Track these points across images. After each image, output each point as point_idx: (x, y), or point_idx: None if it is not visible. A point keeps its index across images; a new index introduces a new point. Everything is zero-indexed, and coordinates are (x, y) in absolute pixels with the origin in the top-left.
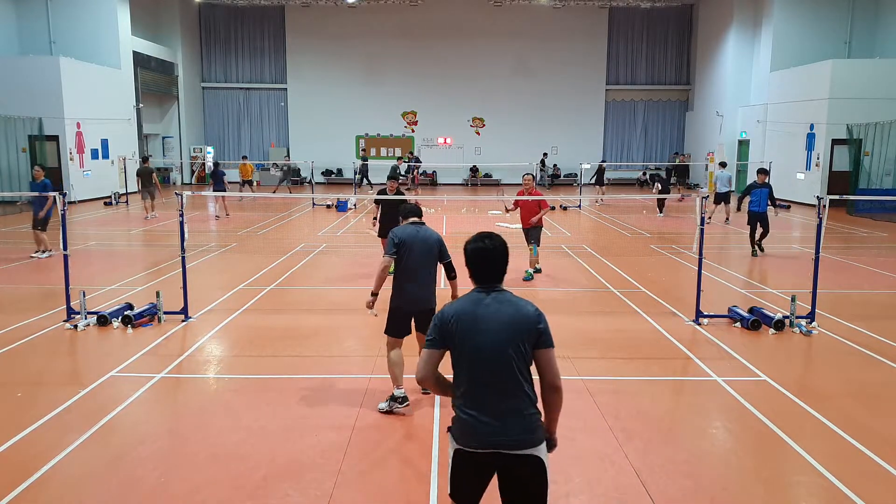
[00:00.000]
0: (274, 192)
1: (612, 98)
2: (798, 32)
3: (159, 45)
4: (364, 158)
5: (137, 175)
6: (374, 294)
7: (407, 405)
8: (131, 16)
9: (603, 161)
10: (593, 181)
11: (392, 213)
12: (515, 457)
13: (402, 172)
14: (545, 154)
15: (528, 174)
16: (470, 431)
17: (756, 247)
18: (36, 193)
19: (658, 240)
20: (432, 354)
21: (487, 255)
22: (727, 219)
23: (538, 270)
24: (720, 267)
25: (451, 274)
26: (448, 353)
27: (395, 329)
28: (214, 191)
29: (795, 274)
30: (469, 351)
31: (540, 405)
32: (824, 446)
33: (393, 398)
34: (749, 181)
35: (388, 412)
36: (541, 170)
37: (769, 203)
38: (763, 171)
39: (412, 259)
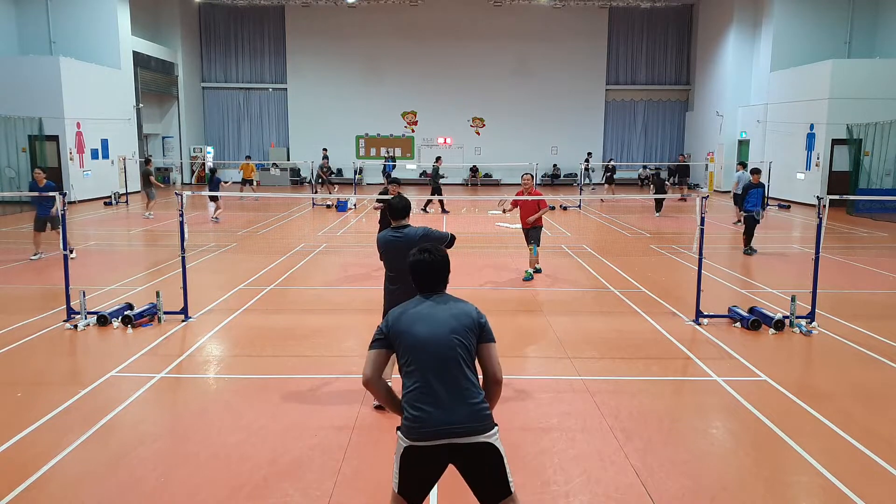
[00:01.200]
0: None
1: (612, 98)
2: (798, 32)
3: (159, 45)
4: (325, 157)
5: (142, 175)
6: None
7: None
8: (131, 16)
9: (611, 160)
10: (603, 180)
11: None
12: (467, 445)
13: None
14: (589, 154)
15: (527, 174)
16: (420, 425)
17: (747, 246)
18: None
19: (658, 240)
20: (377, 355)
21: (427, 267)
22: (739, 220)
23: (538, 271)
24: (720, 267)
25: (450, 244)
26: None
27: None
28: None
29: (795, 274)
30: (414, 347)
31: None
32: (824, 446)
33: None
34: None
35: (381, 407)
36: (585, 169)
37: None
38: (756, 171)
39: (398, 263)
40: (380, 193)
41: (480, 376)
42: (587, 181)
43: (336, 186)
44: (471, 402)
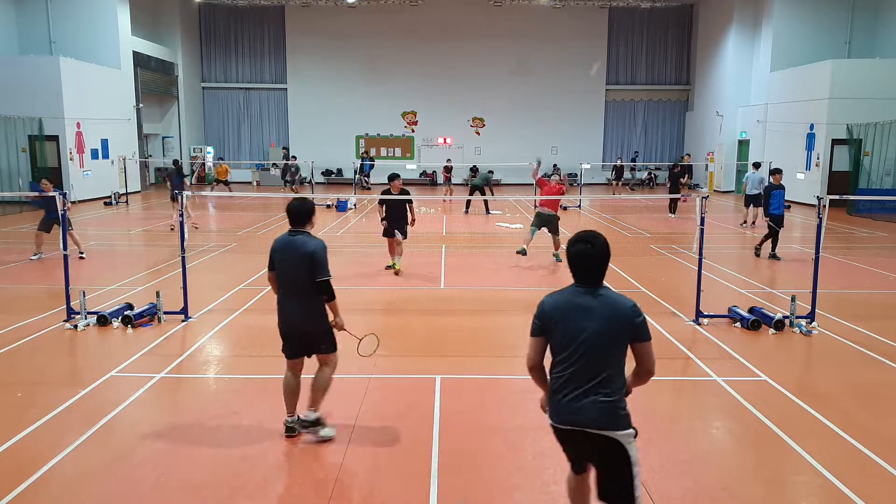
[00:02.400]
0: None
1: (612, 98)
2: (798, 32)
3: (159, 45)
4: (290, 157)
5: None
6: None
7: (320, 431)
8: (131, 16)
9: (619, 159)
10: (612, 180)
11: (395, 213)
12: (598, 437)
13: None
14: (637, 153)
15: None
16: (556, 409)
17: (757, 250)
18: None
19: (658, 240)
20: (535, 343)
21: (586, 258)
22: (753, 222)
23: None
24: (720, 267)
25: (328, 295)
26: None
27: (284, 348)
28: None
29: (795, 274)
30: (565, 339)
31: (625, 402)
32: (824, 446)
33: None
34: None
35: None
36: (632, 169)
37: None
38: (777, 171)
39: (284, 272)
40: (382, 193)
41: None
42: (632, 180)
43: (299, 189)
44: (607, 398)
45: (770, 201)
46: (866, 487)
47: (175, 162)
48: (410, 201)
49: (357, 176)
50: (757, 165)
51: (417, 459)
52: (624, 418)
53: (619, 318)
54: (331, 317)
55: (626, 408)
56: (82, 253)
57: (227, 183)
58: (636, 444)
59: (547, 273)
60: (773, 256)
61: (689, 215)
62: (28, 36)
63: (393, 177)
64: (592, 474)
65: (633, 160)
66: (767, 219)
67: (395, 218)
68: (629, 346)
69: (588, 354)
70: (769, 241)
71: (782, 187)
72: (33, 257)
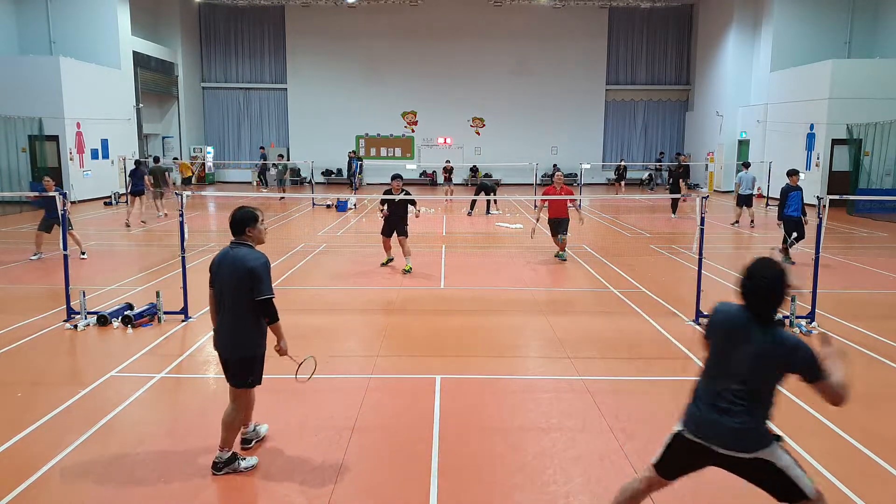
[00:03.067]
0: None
1: (612, 98)
2: (798, 32)
3: (159, 45)
4: (263, 157)
5: (150, 174)
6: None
7: (241, 465)
8: (131, 16)
9: (622, 160)
10: (614, 180)
11: (396, 213)
12: (723, 455)
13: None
14: (662, 153)
15: (558, 172)
16: (694, 420)
17: (784, 254)
18: (36, 194)
19: (658, 240)
20: (705, 345)
21: (748, 293)
22: (752, 221)
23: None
24: (720, 267)
25: (269, 316)
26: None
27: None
28: (134, 192)
29: (795, 274)
30: (721, 356)
31: (766, 422)
32: (824, 446)
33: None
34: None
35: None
36: (678, 171)
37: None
38: (794, 172)
39: (221, 289)
40: (385, 193)
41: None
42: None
43: (281, 189)
44: (741, 423)
45: (787, 202)
46: (866, 487)
47: (156, 159)
48: (413, 202)
49: (354, 177)
50: (747, 165)
51: (417, 459)
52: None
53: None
54: (274, 341)
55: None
56: (83, 253)
57: (190, 181)
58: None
59: (547, 273)
60: (786, 258)
61: (689, 215)
62: (28, 36)
63: (394, 177)
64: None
65: (659, 160)
66: (781, 222)
67: (396, 218)
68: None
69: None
70: (786, 241)
71: (799, 189)
72: (33, 257)
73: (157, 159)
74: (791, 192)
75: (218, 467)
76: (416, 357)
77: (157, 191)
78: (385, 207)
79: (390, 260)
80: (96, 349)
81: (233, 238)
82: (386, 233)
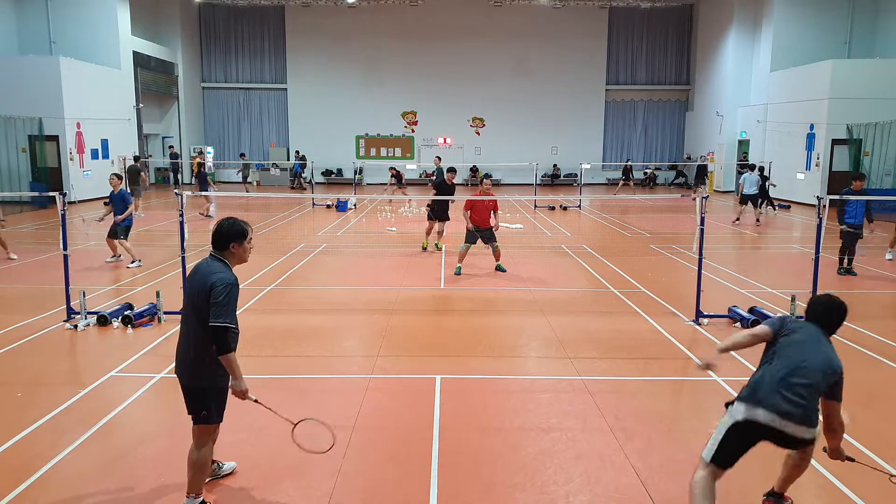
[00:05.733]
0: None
1: (612, 98)
2: (798, 32)
3: (159, 45)
4: (199, 153)
5: (127, 172)
6: None
7: None
8: (131, 16)
9: (628, 160)
10: (622, 181)
11: (443, 202)
12: (779, 432)
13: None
14: (689, 156)
15: (487, 176)
16: (752, 408)
17: (843, 266)
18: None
19: (658, 240)
20: (760, 331)
21: (826, 308)
22: (757, 220)
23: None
24: (720, 267)
25: (218, 346)
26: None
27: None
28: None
29: (795, 274)
30: (783, 358)
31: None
32: (824, 446)
33: None
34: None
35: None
36: (761, 176)
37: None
38: (860, 177)
39: (188, 301)
40: (439, 185)
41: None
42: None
43: (209, 199)
44: (800, 410)
45: (845, 209)
46: (866, 487)
47: (135, 158)
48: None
49: (297, 177)
50: (753, 168)
51: (417, 459)
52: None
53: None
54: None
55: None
56: (134, 261)
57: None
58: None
59: (547, 273)
60: (849, 271)
61: (689, 215)
62: (28, 36)
63: (450, 169)
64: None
65: (687, 159)
66: (843, 227)
67: (443, 207)
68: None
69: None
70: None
71: (863, 193)
72: (131, 265)
73: (136, 158)
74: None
75: None
76: (416, 357)
77: (136, 188)
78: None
79: (426, 247)
80: (96, 349)
81: (212, 250)
82: (436, 216)
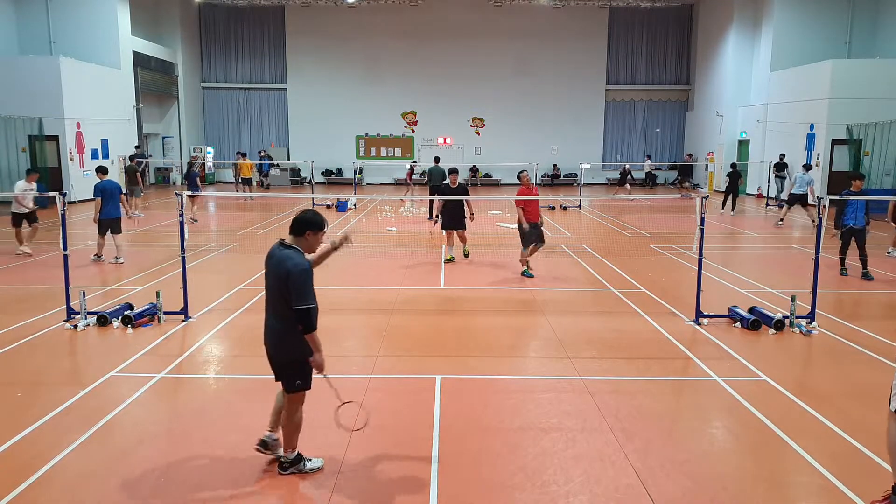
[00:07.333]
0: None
1: (612, 98)
2: (798, 32)
3: (159, 45)
4: (132, 157)
5: (125, 172)
6: None
7: (306, 466)
8: (131, 16)
9: (627, 163)
10: (619, 182)
11: (455, 208)
12: None
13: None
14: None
15: (524, 171)
16: None
17: (844, 266)
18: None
19: (658, 240)
20: None
21: None
22: (781, 220)
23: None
24: (720, 267)
25: (304, 326)
26: None
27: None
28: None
29: (795, 274)
30: None
31: None
32: (824, 446)
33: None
34: (750, 181)
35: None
36: (776, 176)
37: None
38: (859, 177)
39: (266, 286)
40: (441, 187)
41: None
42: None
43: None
44: None
45: (845, 210)
46: (866, 487)
47: (132, 158)
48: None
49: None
50: (808, 167)
51: (417, 459)
52: None
53: None
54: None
55: None
56: (99, 255)
57: (249, 182)
58: None
59: (547, 273)
60: (865, 275)
61: (689, 215)
62: (28, 36)
63: (451, 171)
64: None
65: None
66: (837, 231)
67: (454, 212)
68: None
69: None
70: (855, 255)
71: (863, 194)
72: (93, 257)
73: (132, 158)
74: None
75: (283, 467)
76: (417, 357)
77: (135, 188)
78: (439, 209)
79: (451, 259)
80: (96, 349)
81: (287, 236)
82: (447, 226)
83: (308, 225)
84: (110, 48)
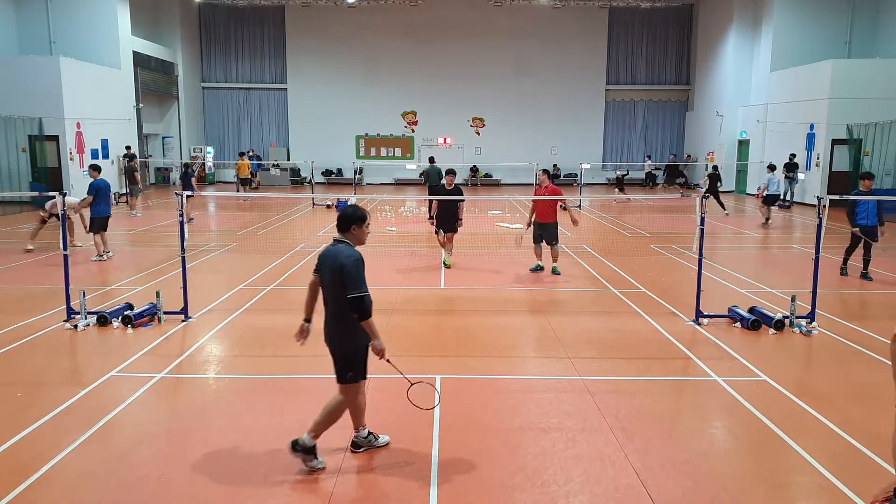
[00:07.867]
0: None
1: (612, 98)
2: (798, 32)
3: (159, 45)
4: (130, 157)
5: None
6: (305, 320)
7: (311, 462)
8: (131, 16)
9: (626, 173)
10: (616, 186)
11: (448, 209)
12: None
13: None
14: (793, 155)
15: (543, 170)
16: None
17: (845, 266)
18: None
19: (658, 240)
20: None
21: None
22: (767, 220)
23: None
24: (720, 267)
25: (359, 314)
26: None
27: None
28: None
29: (795, 274)
30: None
31: None
32: (824, 446)
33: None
34: (749, 181)
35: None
36: (786, 176)
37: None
38: (868, 176)
39: (324, 284)
40: (435, 185)
41: None
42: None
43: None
44: None
45: (856, 210)
46: (866, 487)
47: (130, 157)
48: (461, 200)
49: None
50: (772, 168)
51: (417, 459)
52: None
53: None
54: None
55: None
56: (100, 255)
57: (249, 182)
58: None
59: (546, 273)
60: (864, 276)
61: (689, 215)
62: (28, 36)
63: (448, 171)
64: None
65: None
66: (854, 229)
67: (448, 214)
68: None
69: None
70: (858, 256)
71: (871, 194)
72: (94, 258)
73: (129, 157)
74: (862, 199)
75: (303, 450)
76: (416, 357)
77: (133, 188)
78: (435, 211)
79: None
80: (96, 349)
81: (337, 234)
82: (446, 228)
83: (351, 220)
84: (110, 48)
